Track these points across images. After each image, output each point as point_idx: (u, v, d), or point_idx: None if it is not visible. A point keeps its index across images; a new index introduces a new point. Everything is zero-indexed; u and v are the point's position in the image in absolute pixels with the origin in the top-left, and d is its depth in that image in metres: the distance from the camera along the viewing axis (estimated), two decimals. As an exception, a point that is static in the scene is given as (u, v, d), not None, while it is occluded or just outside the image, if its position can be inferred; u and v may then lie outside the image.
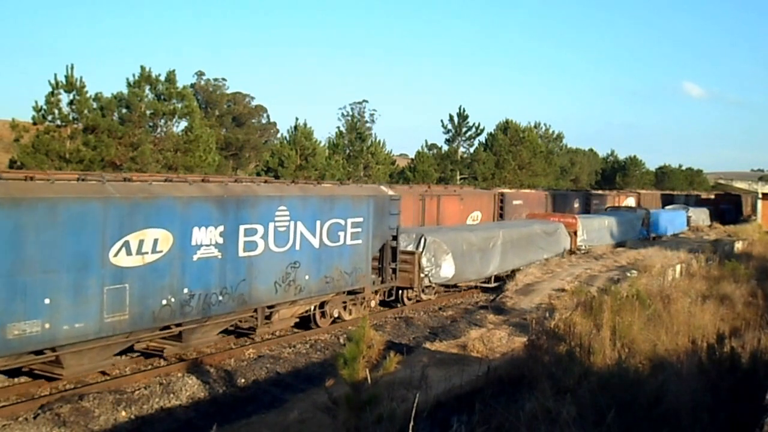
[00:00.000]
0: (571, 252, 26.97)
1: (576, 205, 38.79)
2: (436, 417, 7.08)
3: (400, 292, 17.48)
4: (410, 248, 17.66)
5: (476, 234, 20.22)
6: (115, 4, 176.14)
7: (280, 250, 13.12)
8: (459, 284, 19.46)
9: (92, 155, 22.61)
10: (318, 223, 14.03)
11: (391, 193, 17.02)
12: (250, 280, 12.46)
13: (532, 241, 23.81)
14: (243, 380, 11.38)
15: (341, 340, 13.84)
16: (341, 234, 14.64)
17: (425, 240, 17.99)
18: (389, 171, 41.51)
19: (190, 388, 10.64)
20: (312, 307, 14.49)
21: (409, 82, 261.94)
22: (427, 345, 13.38)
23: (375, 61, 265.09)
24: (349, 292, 15.30)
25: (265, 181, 14.69)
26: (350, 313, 15.45)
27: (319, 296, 14.36)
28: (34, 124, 23.15)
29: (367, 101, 69.40)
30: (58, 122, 23.22)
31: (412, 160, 46.43)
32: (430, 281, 18.01)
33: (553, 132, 65.66)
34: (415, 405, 5.02)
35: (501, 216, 30.62)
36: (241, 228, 12.24)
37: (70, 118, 23.42)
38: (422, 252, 17.67)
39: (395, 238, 16.69)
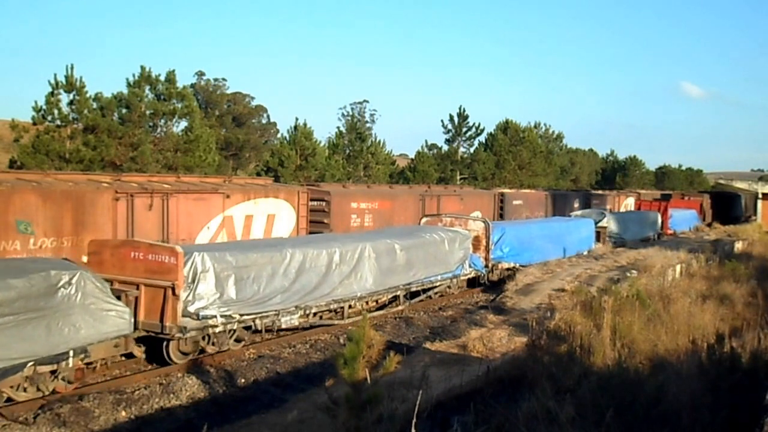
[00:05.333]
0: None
1: (576, 205, 38.78)
2: (436, 417, 7.08)
3: None
4: None
5: None
6: (115, 4, 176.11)
7: None
8: None
9: (92, 155, 22.65)
10: None
11: None
12: None
13: None
14: (243, 380, 11.38)
15: (341, 340, 13.84)
16: None
17: None
18: (389, 171, 41.54)
19: (190, 388, 10.64)
20: None
21: (409, 82, 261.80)
22: (427, 345, 13.38)
23: (375, 61, 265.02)
24: None
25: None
26: None
27: None
28: (34, 124, 23.20)
29: (367, 101, 69.36)
30: (58, 122, 23.28)
31: (412, 160, 46.50)
32: None
33: (553, 132, 65.74)
34: (417, 405, 5.02)
35: (501, 216, 30.55)
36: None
37: (70, 118, 23.48)
38: None
39: None
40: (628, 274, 21.29)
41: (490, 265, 20.20)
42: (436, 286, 17.73)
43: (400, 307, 16.47)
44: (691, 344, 10.18)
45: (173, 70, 26.53)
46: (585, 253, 26.34)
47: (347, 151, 40.32)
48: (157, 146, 26.33)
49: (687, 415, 6.47)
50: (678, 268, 21.70)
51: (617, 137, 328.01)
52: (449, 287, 18.49)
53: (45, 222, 12.91)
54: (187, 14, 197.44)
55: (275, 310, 12.68)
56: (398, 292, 16.33)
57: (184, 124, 27.96)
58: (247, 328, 12.49)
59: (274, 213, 18.17)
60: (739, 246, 30.06)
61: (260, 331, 12.90)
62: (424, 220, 20.72)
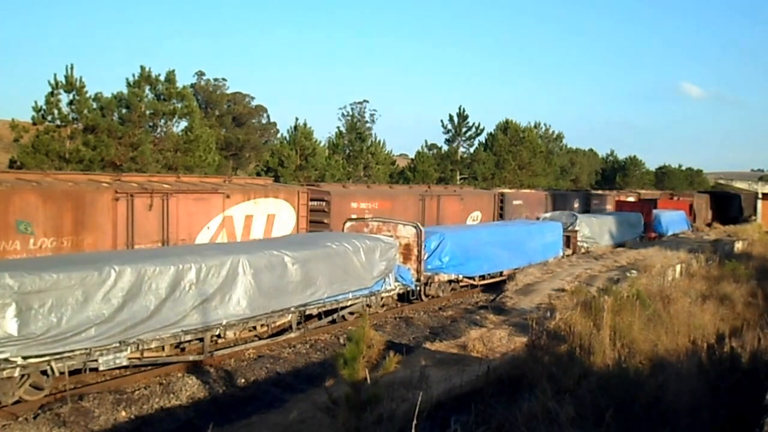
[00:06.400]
0: None
1: (576, 205, 38.79)
2: (436, 417, 7.08)
3: None
4: None
5: None
6: (115, 4, 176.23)
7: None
8: None
9: (92, 155, 22.64)
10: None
11: None
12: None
13: None
14: (243, 380, 11.38)
15: (341, 340, 13.84)
16: None
17: None
18: (389, 171, 41.53)
19: (190, 388, 10.65)
20: None
21: (409, 82, 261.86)
22: (427, 345, 13.38)
23: (375, 61, 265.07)
24: None
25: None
26: None
27: None
28: (34, 124, 23.18)
29: (367, 101, 69.21)
30: (58, 122, 23.26)
31: (412, 160, 46.47)
32: None
33: (553, 132, 65.70)
34: (417, 405, 5.03)
35: (501, 216, 30.55)
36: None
37: (70, 118, 23.46)
38: None
39: None
40: (628, 274, 21.31)
41: (422, 278, 17.44)
42: (346, 306, 14.79)
43: (291, 335, 13.38)
44: (691, 344, 10.19)
45: (173, 70, 26.51)
46: (551, 260, 23.94)
47: (347, 151, 40.29)
48: (157, 146, 26.31)
49: (687, 415, 6.47)
50: (678, 268, 21.72)
51: (617, 137, 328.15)
52: (368, 305, 15.60)
53: (45, 222, 12.91)
54: (187, 14, 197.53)
55: (86, 348, 9.68)
56: (290, 316, 13.23)
57: (184, 124, 27.94)
58: (45, 372, 9.46)
59: (274, 213, 18.17)
60: (739, 246, 30.08)
61: (64, 374, 9.54)
62: (347, 224, 17.92)
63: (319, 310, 14.13)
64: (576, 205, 38.82)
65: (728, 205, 55.16)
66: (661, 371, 8.23)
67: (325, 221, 20.55)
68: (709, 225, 48.99)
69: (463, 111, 47.15)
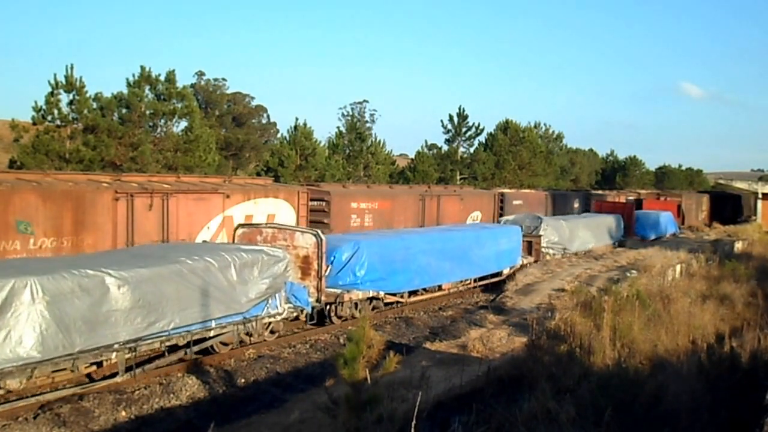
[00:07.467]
0: None
1: (576, 205, 38.79)
2: (436, 417, 7.09)
3: None
4: None
5: None
6: (115, 4, 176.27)
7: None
8: None
9: (92, 155, 22.64)
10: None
11: None
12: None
13: None
14: (243, 380, 11.39)
15: (341, 340, 13.85)
16: None
17: None
18: (389, 171, 41.52)
19: (190, 388, 10.65)
20: None
21: (409, 82, 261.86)
22: (427, 345, 13.39)
23: (375, 61, 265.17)
24: None
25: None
26: None
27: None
28: (34, 124, 23.19)
29: (367, 101, 69.21)
30: (58, 122, 23.26)
31: (412, 160, 46.46)
32: None
33: (553, 132, 65.69)
34: (417, 405, 5.03)
35: (501, 216, 30.55)
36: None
37: (70, 118, 23.46)
38: None
39: None
40: (628, 274, 21.34)
41: (324, 298, 14.25)
42: (209, 337, 11.68)
43: (117, 379, 10.23)
44: (691, 344, 10.21)
45: (173, 70, 26.51)
46: (507, 270, 21.15)
47: (347, 151, 40.27)
48: (157, 146, 26.31)
49: (687, 416, 6.47)
50: (678, 268, 21.75)
51: (617, 137, 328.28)
52: (248, 334, 12.55)
53: (45, 222, 12.91)
54: (187, 14, 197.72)
55: None
56: (114, 355, 9.96)
57: (184, 124, 27.93)
58: None
59: (274, 213, 18.17)
60: (738, 246, 30.09)
61: None
62: (239, 231, 14.81)
63: (164, 344, 10.75)
64: (576, 205, 38.83)
65: (728, 205, 55.09)
66: (661, 371, 8.24)
67: (325, 221, 20.55)
68: (708, 225, 48.94)
69: (463, 111, 47.16)
